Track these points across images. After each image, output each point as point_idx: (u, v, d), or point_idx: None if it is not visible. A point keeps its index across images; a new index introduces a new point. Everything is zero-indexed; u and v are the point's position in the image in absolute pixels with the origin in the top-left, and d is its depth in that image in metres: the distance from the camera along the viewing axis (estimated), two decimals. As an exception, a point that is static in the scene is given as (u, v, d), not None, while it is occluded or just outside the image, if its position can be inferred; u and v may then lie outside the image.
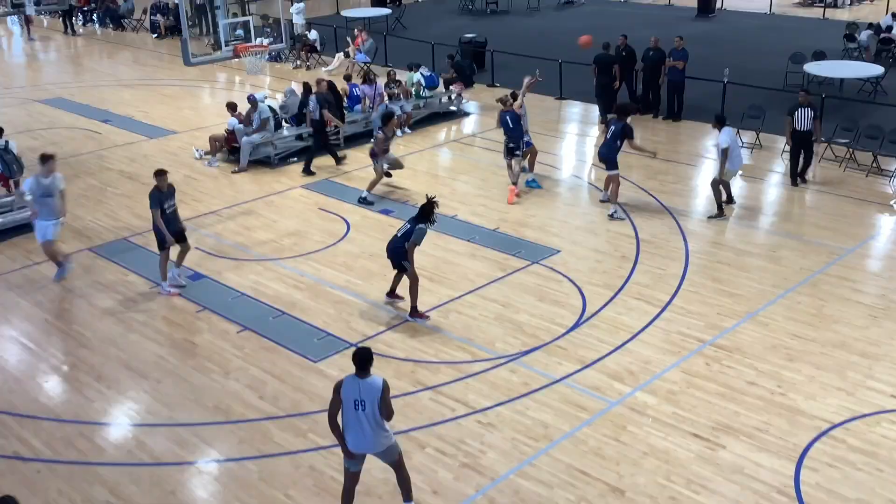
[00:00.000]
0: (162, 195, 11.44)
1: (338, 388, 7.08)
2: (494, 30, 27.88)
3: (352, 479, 7.45)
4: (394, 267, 11.02)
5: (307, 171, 16.10)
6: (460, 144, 17.61)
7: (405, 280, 10.97)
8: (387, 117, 14.86)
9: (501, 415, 9.03)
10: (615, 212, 13.80)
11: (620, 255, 12.58)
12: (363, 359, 7.04)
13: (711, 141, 13.86)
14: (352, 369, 7.09)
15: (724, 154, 13.41)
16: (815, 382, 9.47)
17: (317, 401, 9.35)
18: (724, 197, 13.85)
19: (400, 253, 10.75)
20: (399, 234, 10.81)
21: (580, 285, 11.71)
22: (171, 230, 11.52)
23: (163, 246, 11.57)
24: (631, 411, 9.06)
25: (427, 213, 10.65)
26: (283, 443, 8.70)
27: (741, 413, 8.97)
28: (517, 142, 14.62)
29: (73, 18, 31.86)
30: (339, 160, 16.58)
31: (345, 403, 7.06)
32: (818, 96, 17.50)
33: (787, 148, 15.34)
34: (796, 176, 14.98)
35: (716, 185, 13.67)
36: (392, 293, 11.36)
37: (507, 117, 14.65)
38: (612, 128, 13.85)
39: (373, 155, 14.80)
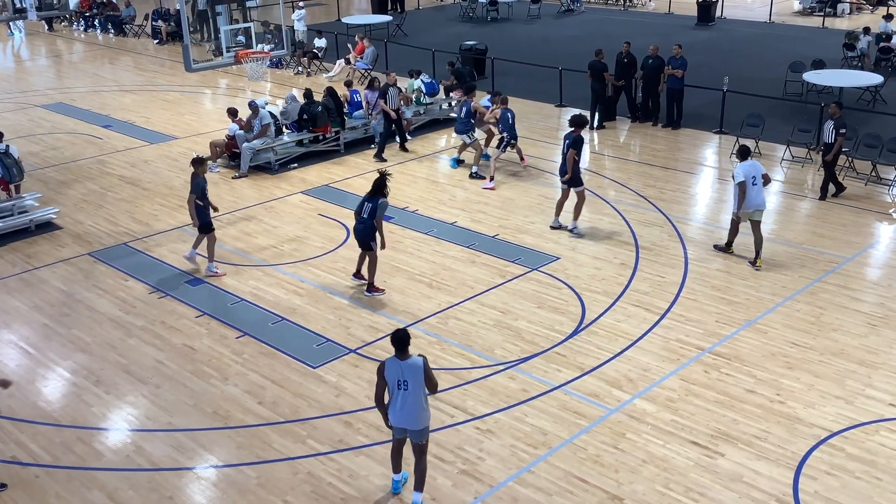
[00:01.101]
0: (204, 182, 12.09)
1: (381, 371, 7.50)
2: (495, 37, 27.94)
3: (399, 441, 7.87)
4: (360, 247, 11.67)
5: (379, 157, 17.11)
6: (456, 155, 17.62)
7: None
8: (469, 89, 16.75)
9: (500, 421, 9.03)
10: (575, 228, 13.45)
11: (620, 262, 12.59)
12: (401, 340, 7.42)
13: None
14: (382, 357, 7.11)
15: (740, 190, 12.21)
16: (813, 390, 9.47)
17: (316, 407, 9.35)
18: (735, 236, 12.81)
19: (368, 232, 11.40)
20: (365, 215, 11.39)
21: (579, 292, 11.72)
22: (206, 217, 12.19)
23: (209, 228, 12.22)
24: (630, 419, 9.06)
25: (381, 186, 11.33)
26: (282, 449, 8.70)
27: (740, 421, 8.97)
28: (515, 137, 15.88)
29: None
30: (404, 145, 17.79)
31: (389, 384, 7.49)
32: (817, 105, 17.56)
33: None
34: (827, 194, 14.73)
35: (734, 222, 12.66)
36: (358, 274, 12.00)
37: (508, 115, 15.72)
38: (567, 141, 13.24)
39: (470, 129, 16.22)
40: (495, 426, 8.95)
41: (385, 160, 16.98)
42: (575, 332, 10.74)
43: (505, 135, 15.72)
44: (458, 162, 16.80)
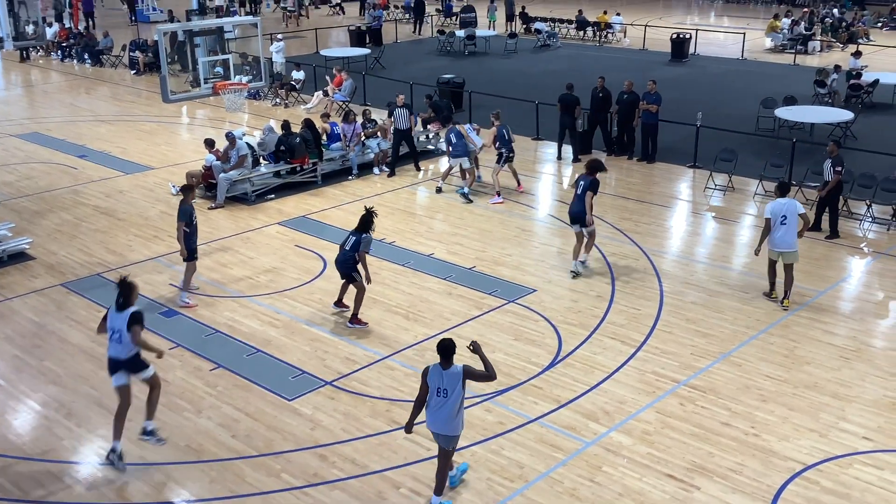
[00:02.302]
0: (191, 209, 12.17)
1: (425, 375, 7.81)
2: (472, 71, 28.21)
3: (438, 451, 8.15)
4: (342, 278, 11.76)
5: (391, 175, 18.20)
6: (436, 183, 17.68)
7: (352, 290, 11.77)
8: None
9: (476, 454, 8.99)
10: (586, 261, 13.44)
11: (596, 294, 12.65)
12: (446, 349, 7.72)
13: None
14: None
15: (764, 226, 12.09)
16: (787, 423, 9.53)
17: (290, 440, 9.26)
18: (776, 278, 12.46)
19: (349, 264, 11.51)
20: (348, 248, 11.50)
21: (556, 324, 11.75)
22: (192, 244, 12.28)
23: (193, 256, 12.30)
24: (606, 451, 9.06)
25: (368, 223, 11.51)
26: (256, 483, 8.60)
27: (715, 454, 9.00)
28: (513, 151, 16.85)
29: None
30: (417, 164, 18.73)
31: (430, 389, 7.78)
32: (789, 140, 17.84)
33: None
34: (820, 229, 14.68)
35: (771, 262, 12.36)
36: (339, 303, 12.12)
37: (504, 130, 16.62)
38: (582, 183, 13.12)
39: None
40: (472, 459, 8.91)
41: (394, 174, 18.21)
42: (551, 365, 10.74)
43: (503, 150, 16.53)
44: (465, 195, 16.71)
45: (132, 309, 8.65)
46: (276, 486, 8.53)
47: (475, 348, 8.03)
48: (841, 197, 14.90)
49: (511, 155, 16.72)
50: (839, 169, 14.41)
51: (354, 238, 11.47)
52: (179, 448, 9.16)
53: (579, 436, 9.32)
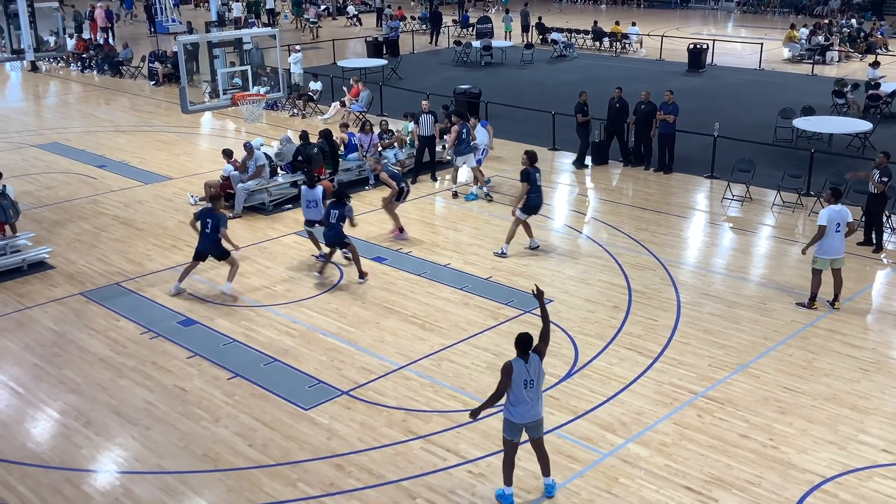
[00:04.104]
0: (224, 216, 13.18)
1: (509, 372, 7.94)
2: (488, 81, 28.26)
3: (514, 448, 8.27)
4: (339, 248, 13.42)
5: (413, 181, 18.05)
6: (451, 188, 17.72)
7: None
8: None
9: (493, 465, 8.96)
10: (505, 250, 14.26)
11: (612, 305, 12.62)
12: (527, 343, 7.96)
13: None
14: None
15: (819, 232, 11.98)
16: (806, 436, 9.45)
17: (307, 449, 9.28)
18: (818, 289, 12.37)
19: (341, 235, 13.12)
20: (334, 220, 12.96)
21: (572, 335, 11.72)
22: (203, 245, 12.98)
23: (202, 257, 13.08)
24: (623, 463, 9.02)
25: (343, 195, 13.27)
26: (272, 492, 8.62)
27: (734, 466, 8.94)
28: (408, 189, 15.91)
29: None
30: (434, 174, 18.67)
31: (514, 384, 7.92)
32: (807, 151, 17.76)
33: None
34: (873, 243, 14.47)
35: (816, 272, 12.28)
36: (324, 255, 13.75)
37: (393, 171, 16.20)
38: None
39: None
40: (488, 470, 8.89)
41: (416, 181, 18.21)
42: (568, 375, 10.72)
43: (403, 185, 15.39)
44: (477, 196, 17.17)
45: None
46: (292, 496, 8.55)
47: (539, 295, 8.50)
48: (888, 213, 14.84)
49: (408, 191, 15.71)
50: (885, 180, 14.27)
51: (338, 210, 12.94)
52: (197, 456, 9.19)
53: (596, 447, 9.29)
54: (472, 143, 17.28)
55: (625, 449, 9.25)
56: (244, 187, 16.47)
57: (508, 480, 8.36)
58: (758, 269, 14.16)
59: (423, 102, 18.63)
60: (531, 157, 14.24)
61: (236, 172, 16.68)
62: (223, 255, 13.03)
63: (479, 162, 17.58)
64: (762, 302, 12.69)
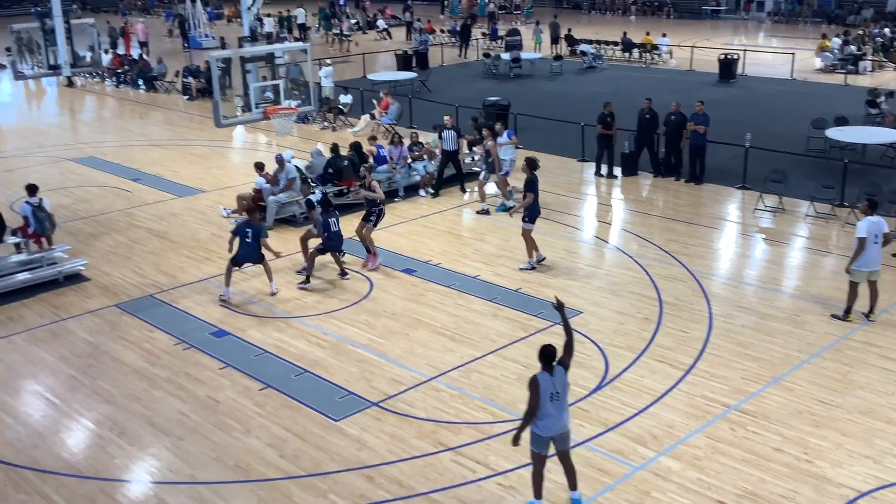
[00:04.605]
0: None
1: (537, 387, 7.91)
2: (518, 93, 28.29)
3: (542, 462, 8.23)
4: (338, 251, 13.99)
5: (435, 194, 18.38)
6: (480, 205, 17.73)
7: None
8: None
9: (523, 478, 8.93)
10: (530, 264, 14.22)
11: (643, 316, 12.55)
12: (551, 355, 8.00)
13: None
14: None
15: (859, 245, 11.80)
16: (841, 449, 9.32)
17: (337, 460, 9.32)
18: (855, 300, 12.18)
19: (341, 238, 13.97)
20: (335, 228, 13.72)
21: (602, 347, 11.67)
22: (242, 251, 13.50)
23: (237, 262, 13.52)
24: (655, 476, 8.95)
25: (330, 202, 14.09)
26: (303, 503, 8.66)
27: (767, 480, 8.83)
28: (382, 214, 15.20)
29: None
30: (463, 186, 18.65)
31: (542, 398, 7.89)
32: (840, 161, 17.57)
33: None
34: None
35: (852, 283, 12.12)
36: (343, 273, 14.16)
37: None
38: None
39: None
40: (518, 482, 8.86)
41: (438, 195, 18.36)
42: (598, 388, 10.67)
43: (375, 210, 14.83)
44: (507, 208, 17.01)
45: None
46: (323, 507, 8.58)
47: (559, 307, 8.48)
48: None
49: (383, 216, 15.01)
50: None
51: (334, 219, 13.72)
52: (228, 467, 9.27)
53: (627, 460, 9.23)
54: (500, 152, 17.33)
55: (656, 462, 9.18)
56: (275, 200, 16.61)
57: (538, 493, 8.33)
58: (791, 280, 14.02)
59: (446, 118, 18.70)
60: (533, 165, 14.16)
61: (268, 185, 16.83)
62: (261, 259, 13.58)
63: (506, 173, 17.59)
64: (796, 314, 12.56)
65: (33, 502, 8.76)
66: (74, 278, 14.43)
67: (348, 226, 14.95)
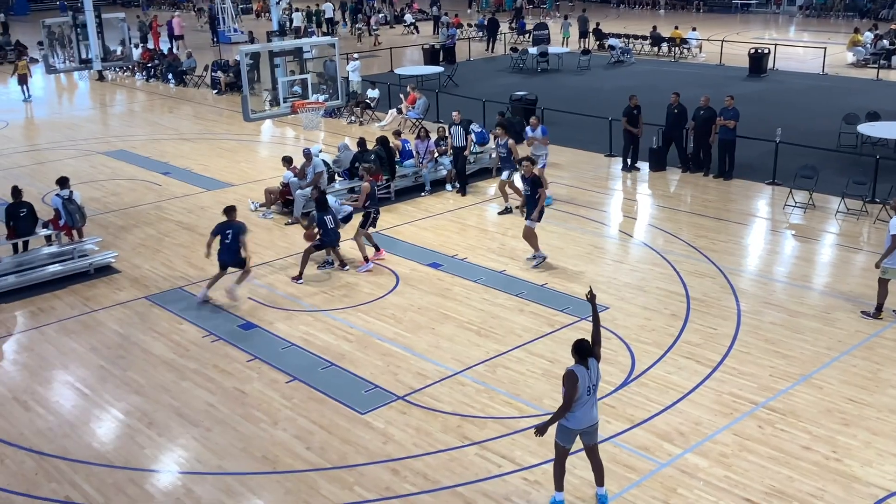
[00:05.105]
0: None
1: (574, 381, 7.83)
2: (545, 88, 28.20)
3: (565, 455, 8.26)
4: (335, 246, 14.15)
5: (463, 192, 18.23)
6: (505, 203, 17.71)
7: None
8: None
9: (548, 473, 8.90)
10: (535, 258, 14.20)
11: (670, 313, 12.48)
12: (586, 349, 7.98)
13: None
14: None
15: (893, 243, 11.62)
16: (871, 448, 9.22)
17: (363, 453, 9.37)
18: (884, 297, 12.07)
19: (337, 234, 14.10)
20: (331, 225, 13.85)
21: (629, 342, 11.62)
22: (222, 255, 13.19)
23: (222, 266, 13.18)
24: (681, 473, 8.91)
25: (325, 202, 14.02)
26: (330, 495, 8.71)
27: (795, 478, 8.76)
28: (378, 212, 15.11)
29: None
30: (463, 188, 18.33)
31: (580, 391, 7.86)
32: (872, 157, 17.34)
33: None
34: None
35: (882, 280, 11.99)
36: (343, 264, 14.29)
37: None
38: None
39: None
40: (543, 477, 8.86)
41: (464, 195, 18.18)
42: (624, 384, 10.63)
43: (371, 210, 14.75)
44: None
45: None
46: (348, 499, 8.63)
47: (592, 297, 8.43)
48: None
49: (377, 216, 14.93)
50: None
51: (330, 216, 13.82)
52: (256, 458, 9.35)
53: (653, 457, 9.19)
54: (533, 148, 17.16)
55: (683, 459, 9.13)
56: (303, 193, 16.69)
57: (560, 486, 8.33)
58: (821, 277, 13.87)
59: (454, 114, 18.62)
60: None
61: (295, 179, 16.92)
62: (241, 263, 13.08)
63: (542, 166, 17.25)
64: (826, 311, 12.43)
65: (64, 491, 8.89)
66: (105, 270, 14.61)
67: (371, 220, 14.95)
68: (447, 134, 18.66)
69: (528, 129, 17.83)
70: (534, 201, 13.96)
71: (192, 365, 11.41)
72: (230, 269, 13.23)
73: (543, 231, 15.77)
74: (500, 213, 16.96)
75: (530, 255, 14.35)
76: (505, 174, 17.04)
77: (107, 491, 8.88)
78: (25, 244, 14.72)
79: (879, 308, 12.12)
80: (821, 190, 16.91)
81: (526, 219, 14.17)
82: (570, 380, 7.86)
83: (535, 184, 13.97)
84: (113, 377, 11.19)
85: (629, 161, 19.61)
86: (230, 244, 12.90)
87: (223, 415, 10.22)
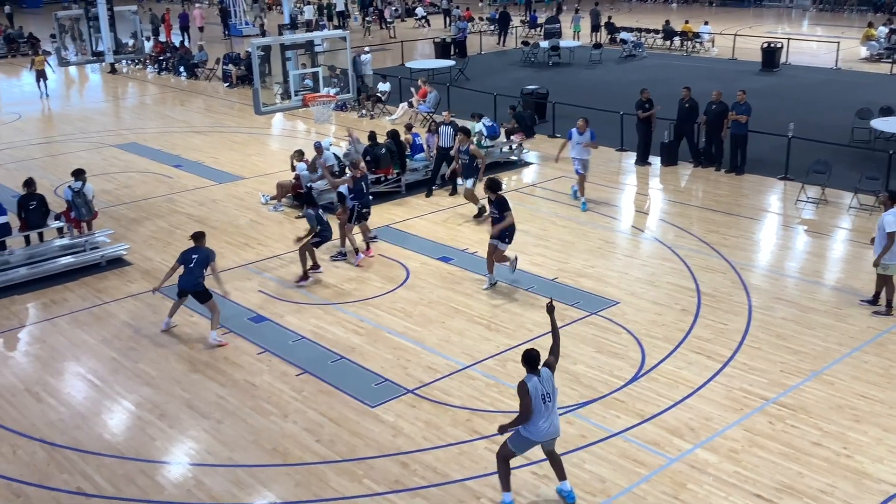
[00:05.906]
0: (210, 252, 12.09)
1: (527, 390, 7.79)
2: (556, 81, 28.13)
3: (512, 456, 8.23)
4: (329, 239, 13.92)
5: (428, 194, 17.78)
6: (520, 194, 17.70)
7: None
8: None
9: (557, 467, 8.94)
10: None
11: (681, 308, 12.45)
12: (535, 359, 7.91)
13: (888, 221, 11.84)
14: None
15: (889, 240, 11.66)
16: (882, 445, 9.18)
17: (373, 446, 9.39)
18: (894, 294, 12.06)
19: (330, 227, 13.87)
20: (319, 227, 13.50)
21: (639, 337, 11.60)
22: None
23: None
24: (691, 468, 8.89)
25: (314, 200, 14.26)
26: (339, 488, 8.74)
27: (805, 474, 8.73)
28: (367, 206, 14.80)
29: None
30: (454, 188, 17.75)
31: (533, 401, 7.79)
32: (885, 152, 17.24)
33: None
34: None
35: (885, 277, 12.02)
36: (316, 267, 13.87)
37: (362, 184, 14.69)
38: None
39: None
40: (552, 471, 8.85)
41: (429, 196, 17.74)
42: (634, 378, 10.61)
43: (355, 204, 14.44)
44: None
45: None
46: (358, 492, 8.66)
47: (551, 309, 8.50)
48: None
49: (365, 211, 14.61)
50: None
51: (319, 209, 13.76)
52: (266, 450, 9.38)
53: (663, 452, 9.18)
54: (576, 153, 16.40)
55: (693, 454, 9.12)
56: (315, 187, 16.69)
57: (507, 485, 8.28)
58: (833, 273, 13.80)
59: (444, 114, 18.55)
60: (495, 187, 13.16)
61: (306, 172, 16.94)
62: (205, 297, 11.80)
63: (583, 173, 16.53)
64: (837, 307, 12.37)
65: (75, 482, 8.95)
66: (116, 262, 14.67)
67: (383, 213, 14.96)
68: (436, 132, 18.31)
69: (573, 131, 16.59)
70: (499, 221, 12.97)
71: (203, 357, 11.45)
72: (190, 297, 12.05)
73: (554, 225, 15.77)
74: (475, 217, 16.16)
75: (487, 279, 13.33)
76: (469, 182, 16.23)
77: (118, 482, 8.93)
78: (41, 236, 14.79)
79: (890, 304, 12.06)
80: (833, 185, 16.82)
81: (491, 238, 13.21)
82: (521, 389, 7.83)
83: (502, 206, 12.98)
84: (124, 369, 11.24)
85: (643, 156, 19.53)
86: (192, 268, 11.68)
87: (233, 407, 10.25)
